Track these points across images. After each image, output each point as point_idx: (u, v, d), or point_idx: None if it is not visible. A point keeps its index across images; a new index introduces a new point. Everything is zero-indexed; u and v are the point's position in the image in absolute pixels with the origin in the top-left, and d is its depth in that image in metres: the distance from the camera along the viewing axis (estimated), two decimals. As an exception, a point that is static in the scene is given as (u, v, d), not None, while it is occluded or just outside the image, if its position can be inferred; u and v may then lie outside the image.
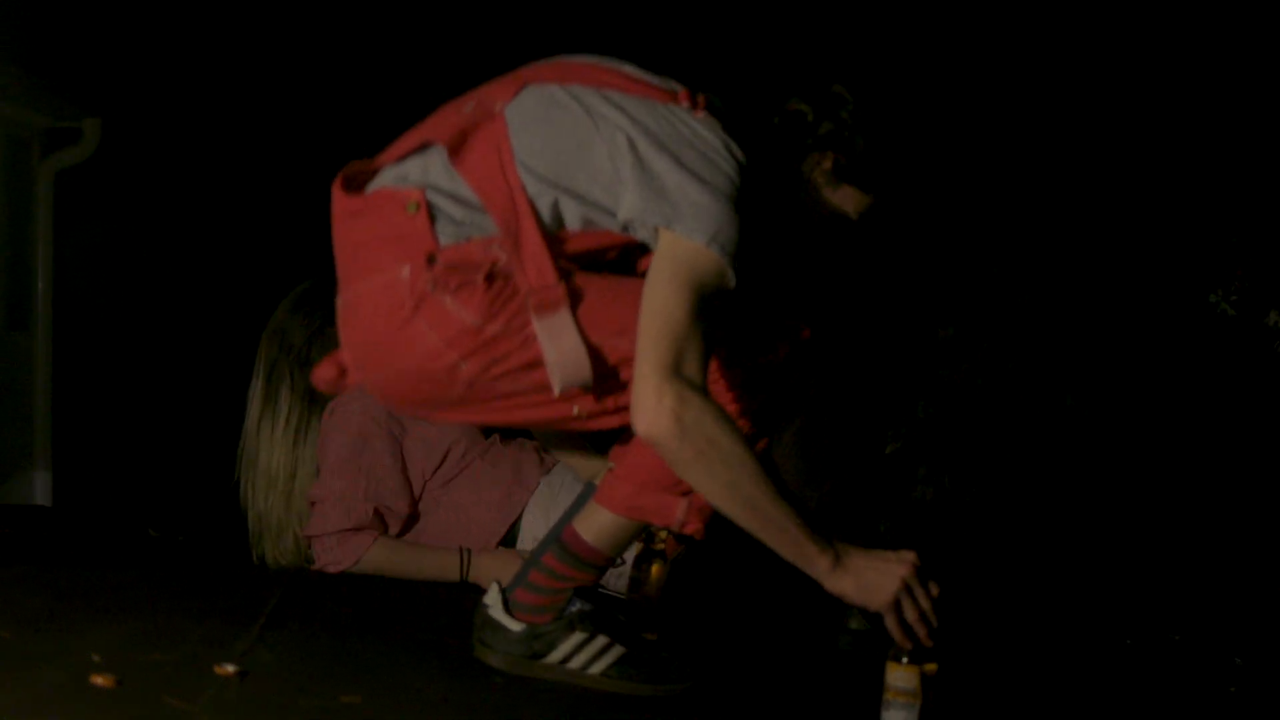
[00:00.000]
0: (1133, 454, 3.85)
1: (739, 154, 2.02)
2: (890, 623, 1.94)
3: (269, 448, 3.04)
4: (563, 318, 1.98)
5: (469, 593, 2.62)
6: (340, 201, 2.08)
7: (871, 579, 1.94)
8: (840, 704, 2.25)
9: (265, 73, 4.35)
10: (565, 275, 2.00)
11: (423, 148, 2.06)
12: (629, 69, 2.10)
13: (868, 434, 4.15)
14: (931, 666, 1.92)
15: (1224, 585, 3.37)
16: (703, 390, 1.89)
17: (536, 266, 1.98)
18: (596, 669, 2.12)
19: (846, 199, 2.22)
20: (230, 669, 1.91)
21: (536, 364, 2.00)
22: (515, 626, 2.13)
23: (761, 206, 2.10)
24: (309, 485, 3.00)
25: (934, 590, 1.96)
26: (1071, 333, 3.98)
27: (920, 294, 4.31)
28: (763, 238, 2.16)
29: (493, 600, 2.15)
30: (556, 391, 2.00)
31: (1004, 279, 4.13)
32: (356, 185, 2.09)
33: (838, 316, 4.34)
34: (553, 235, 2.00)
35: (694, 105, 2.04)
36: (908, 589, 1.94)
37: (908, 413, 4.17)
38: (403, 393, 2.06)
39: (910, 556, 1.96)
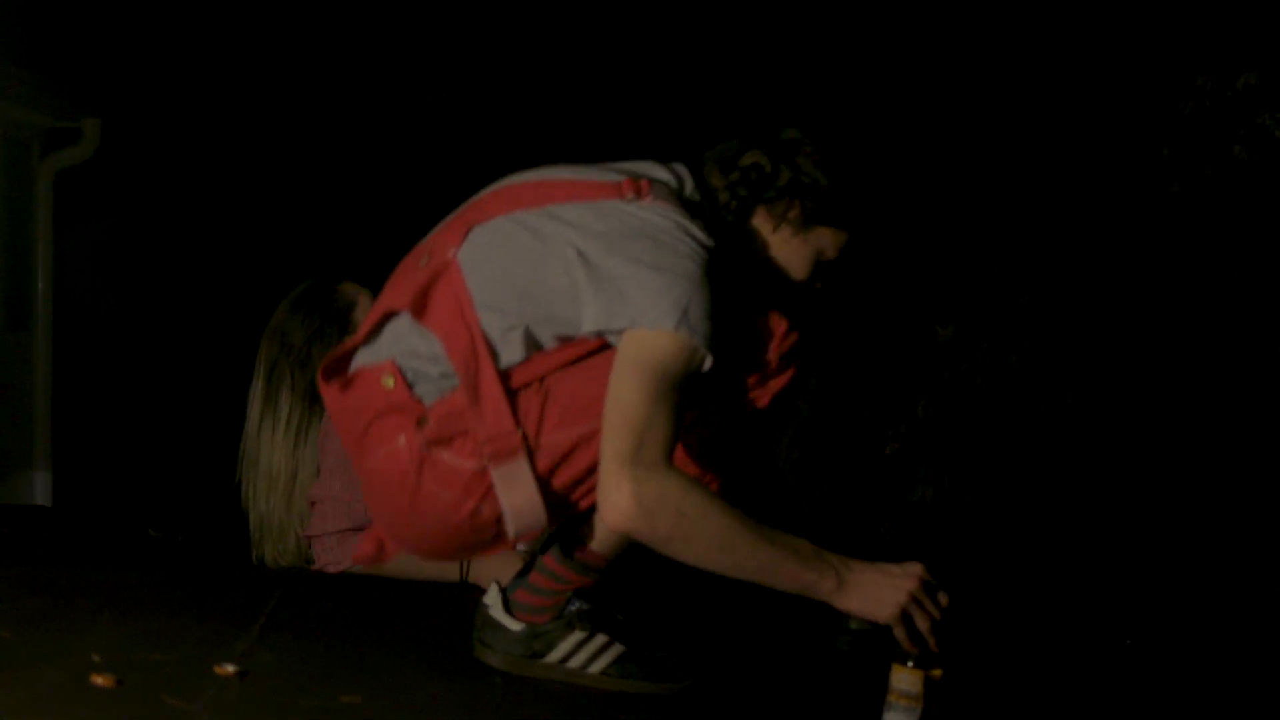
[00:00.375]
0: (1133, 453, 3.85)
1: (693, 228, 2.00)
2: (899, 634, 1.92)
3: (270, 449, 3.04)
4: (519, 466, 1.99)
5: (469, 593, 2.62)
6: (328, 393, 2.12)
7: (877, 593, 1.93)
8: (840, 704, 2.25)
9: (265, 73, 4.35)
10: (542, 380, 2.01)
11: (388, 318, 2.08)
12: (567, 174, 2.09)
13: (868, 434, 4.16)
14: (937, 672, 1.91)
15: (1224, 585, 3.37)
16: (663, 467, 1.88)
17: (494, 414, 1.99)
18: (596, 668, 2.13)
19: (822, 239, 2.20)
20: (230, 669, 1.91)
21: (545, 469, 2.00)
22: (515, 626, 2.13)
23: (731, 273, 2.08)
24: (310, 486, 3.00)
25: (943, 600, 1.94)
26: (1071, 332, 3.98)
27: (920, 294, 4.31)
28: (740, 301, 2.12)
29: (493, 600, 2.15)
30: (511, 537, 2.01)
31: (1004, 279, 4.14)
32: (338, 372, 2.11)
33: (838, 317, 4.35)
34: (531, 359, 2.01)
35: (638, 193, 2.03)
36: (915, 601, 1.92)
37: (908, 413, 4.17)
38: (442, 548, 2.09)
39: (916, 569, 1.94)
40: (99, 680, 1.80)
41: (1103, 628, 3.17)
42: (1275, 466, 3.64)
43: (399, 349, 2.04)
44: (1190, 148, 3.96)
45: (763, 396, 2.11)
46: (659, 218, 2.00)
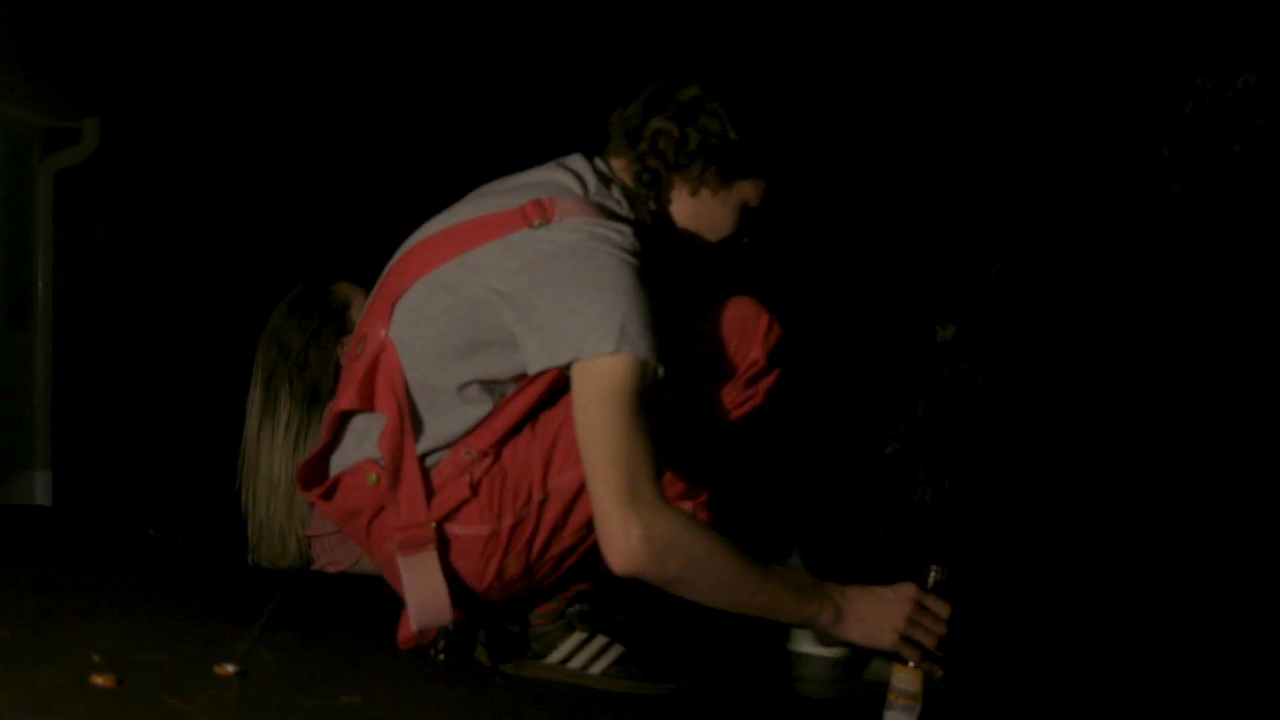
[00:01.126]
0: (1133, 453, 3.85)
1: (608, 231, 1.94)
2: (907, 654, 1.90)
3: (269, 454, 3.03)
4: (427, 558, 1.98)
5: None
6: (319, 503, 2.11)
7: (874, 620, 1.90)
8: (840, 705, 2.24)
9: (265, 73, 4.35)
10: (534, 424, 2.00)
11: (345, 418, 2.06)
12: (466, 213, 2.04)
13: (868, 434, 4.15)
14: (938, 671, 1.91)
15: (1224, 584, 3.37)
16: (664, 505, 1.86)
17: (410, 502, 1.98)
18: (596, 668, 2.12)
19: (743, 191, 2.12)
20: (230, 669, 1.91)
21: (559, 514, 1.99)
22: (515, 627, 2.13)
23: (660, 251, 2.05)
24: (309, 487, 3.00)
25: (944, 611, 1.91)
26: (1071, 332, 3.98)
27: (920, 294, 4.31)
28: (680, 285, 2.10)
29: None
30: (415, 629, 1.99)
31: (1004, 279, 4.14)
32: (317, 482, 2.10)
33: (839, 316, 4.35)
34: (505, 406, 1.99)
35: (544, 215, 1.96)
36: (913, 622, 1.90)
37: (908, 413, 4.17)
38: (478, 602, 2.06)
39: (909, 590, 1.91)
40: (99, 680, 1.80)
41: (1102, 627, 3.17)
42: (1275, 465, 3.64)
43: (367, 448, 2.02)
44: (1190, 148, 3.96)
45: (754, 397, 2.08)
46: (571, 234, 1.93)
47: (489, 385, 1.98)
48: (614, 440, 1.86)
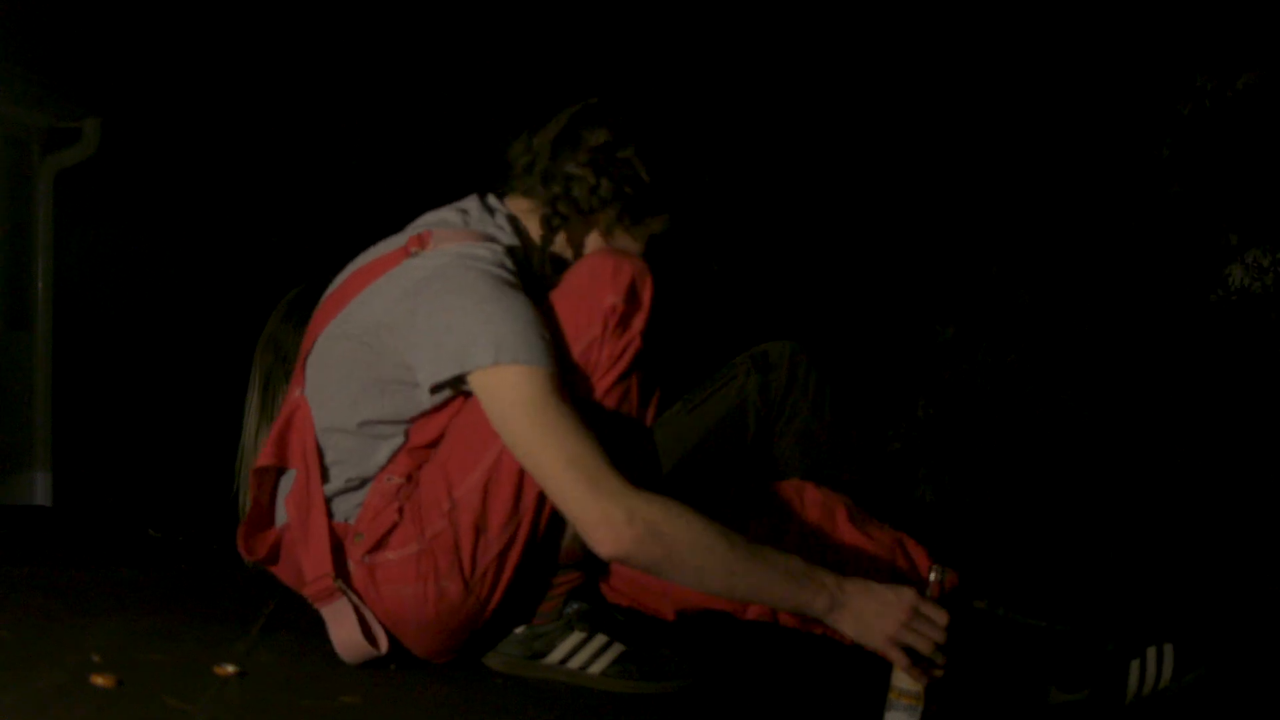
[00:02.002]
0: (1132, 452, 3.85)
1: (481, 250, 1.98)
2: (894, 658, 1.89)
3: (267, 456, 3.03)
4: (341, 605, 2.03)
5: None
6: (272, 569, 2.16)
7: (870, 619, 1.89)
8: (841, 704, 2.24)
9: (265, 73, 4.35)
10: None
11: (266, 481, 2.11)
12: (363, 260, 2.09)
13: (868, 434, 4.15)
14: (934, 674, 1.91)
15: (1224, 584, 3.37)
16: (635, 488, 1.87)
17: (315, 558, 2.03)
18: (596, 668, 2.12)
19: (652, 226, 2.15)
20: (230, 669, 1.91)
21: (473, 521, 2.01)
22: (515, 628, 2.13)
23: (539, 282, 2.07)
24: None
25: (942, 619, 1.89)
26: (1071, 332, 3.98)
27: (920, 294, 4.31)
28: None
29: None
30: (350, 663, 2.02)
31: (1004, 279, 4.14)
32: (258, 551, 2.14)
33: (839, 316, 4.34)
34: (428, 419, 2.03)
35: (421, 244, 2.01)
36: (908, 628, 1.88)
37: (908, 413, 4.17)
38: (445, 641, 2.08)
39: (909, 596, 1.89)
40: (99, 680, 1.80)
41: (1102, 627, 3.16)
42: (1275, 464, 3.64)
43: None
44: (1190, 148, 3.96)
45: (632, 342, 2.04)
46: (442, 257, 1.98)
47: (401, 419, 2.03)
48: (549, 446, 1.88)
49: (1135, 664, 2.18)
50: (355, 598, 2.03)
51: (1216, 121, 3.95)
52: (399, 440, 2.04)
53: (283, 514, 2.11)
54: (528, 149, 2.15)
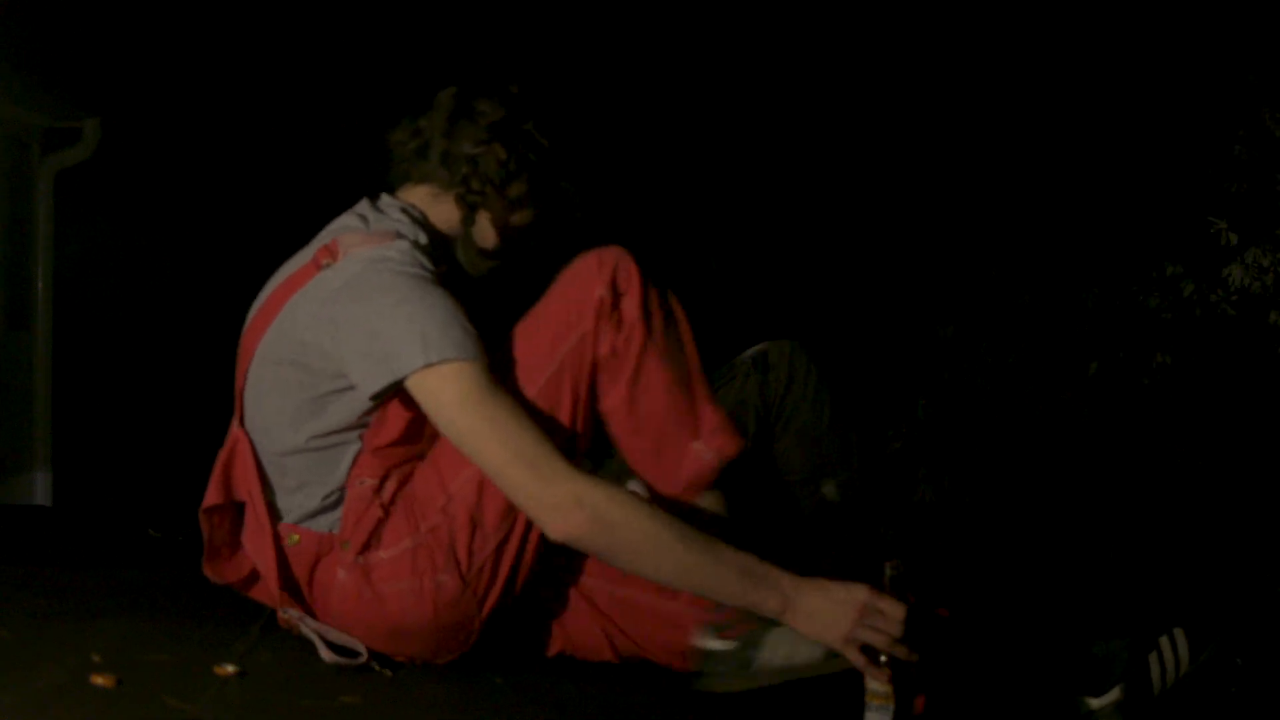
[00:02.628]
0: (1133, 453, 3.85)
1: (389, 252, 1.98)
2: (853, 658, 1.88)
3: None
4: (307, 620, 2.04)
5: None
6: (252, 592, 2.15)
7: (823, 618, 1.89)
8: (839, 704, 2.24)
9: (265, 73, 4.36)
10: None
11: (229, 518, 2.12)
12: (278, 278, 2.09)
13: (868, 434, 4.14)
14: (886, 672, 1.88)
15: (1224, 584, 3.37)
16: (582, 473, 1.88)
17: (271, 592, 2.05)
18: (804, 654, 2.05)
19: (549, 199, 2.17)
20: (230, 669, 1.91)
21: (468, 514, 2.00)
22: (727, 645, 2.11)
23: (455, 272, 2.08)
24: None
25: (898, 612, 1.86)
26: (1072, 332, 3.98)
27: (920, 294, 4.31)
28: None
29: (701, 635, 2.13)
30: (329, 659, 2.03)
31: (1004, 279, 4.14)
32: (230, 575, 2.15)
33: (839, 316, 4.34)
34: (384, 423, 2.03)
35: (331, 255, 2.01)
36: (863, 624, 1.87)
37: (908, 413, 4.17)
38: (444, 640, 2.07)
39: (860, 593, 1.87)
40: (99, 680, 1.80)
41: (1102, 628, 3.16)
42: (1276, 464, 3.64)
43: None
44: (1191, 147, 3.96)
45: (632, 330, 2.04)
46: (354, 265, 1.98)
47: (350, 427, 2.02)
48: (490, 439, 1.89)
49: (1153, 656, 2.18)
50: (312, 625, 2.03)
51: (1217, 121, 3.95)
52: (356, 446, 2.03)
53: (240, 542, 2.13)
54: (415, 133, 2.13)
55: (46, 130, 4.08)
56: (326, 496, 2.05)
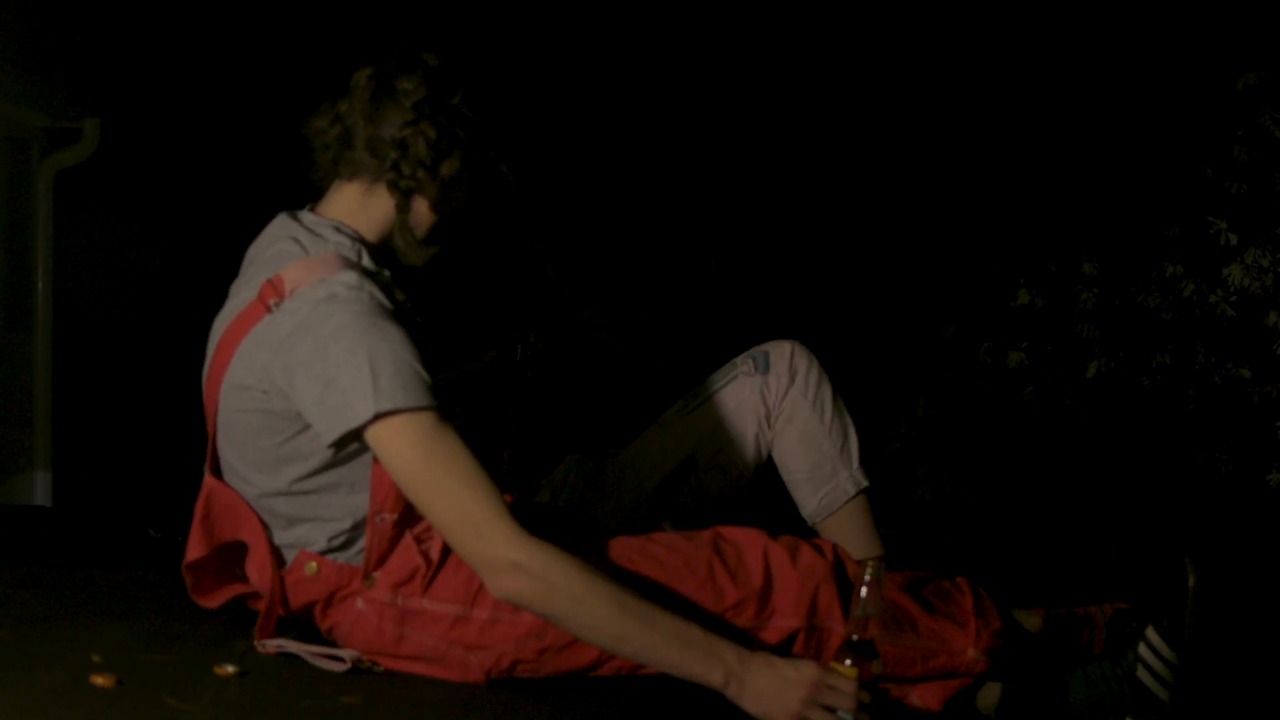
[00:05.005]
0: (1133, 453, 3.85)
1: (336, 287, 1.91)
2: None
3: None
4: (288, 646, 2.03)
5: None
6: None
7: (771, 698, 1.85)
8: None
9: (265, 73, 4.35)
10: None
11: (212, 568, 2.11)
12: (224, 318, 2.04)
13: (868, 434, 4.14)
14: (875, 666, 1.86)
15: (1224, 583, 3.36)
16: (524, 538, 1.86)
17: (268, 617, 2.04)
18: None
19: (482, 173, 2.11)
20: (230, 669, 1.91)
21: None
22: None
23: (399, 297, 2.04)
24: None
25: (849, 687, 1.82)
26: (1072, 332, 3.98)
27: (920, 294, 4.31)
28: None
29: None
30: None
31: (1004, 279, 4.14)
32: (216, 602, 2.14)
33: (839, 316, 4.34)
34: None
35: (278, 295, 1.94)
36: (814, 703, 1.83)
37: (908, 413, 4.17)
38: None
39: (810, 672, 1.83)
40: (99, 680, 1.80)
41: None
42: (1275, 464, 3.64)
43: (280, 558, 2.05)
44: (1190, 147, 3.96)
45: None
46: (302, 307, 1.91)
47: (334, 464, 1.97)
48: (438, 496, 1.86)
49: (1141, 671, 2.18)
50: (293, 648, 2.02)
51: (1216, 122, 3.95)
52: (353, 480, 1.99)
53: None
54: (335, 119, 2.05)
55: (46, 130, 4.08)
56: (334, 536, 2.01)
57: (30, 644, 1.98)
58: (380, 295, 1.94)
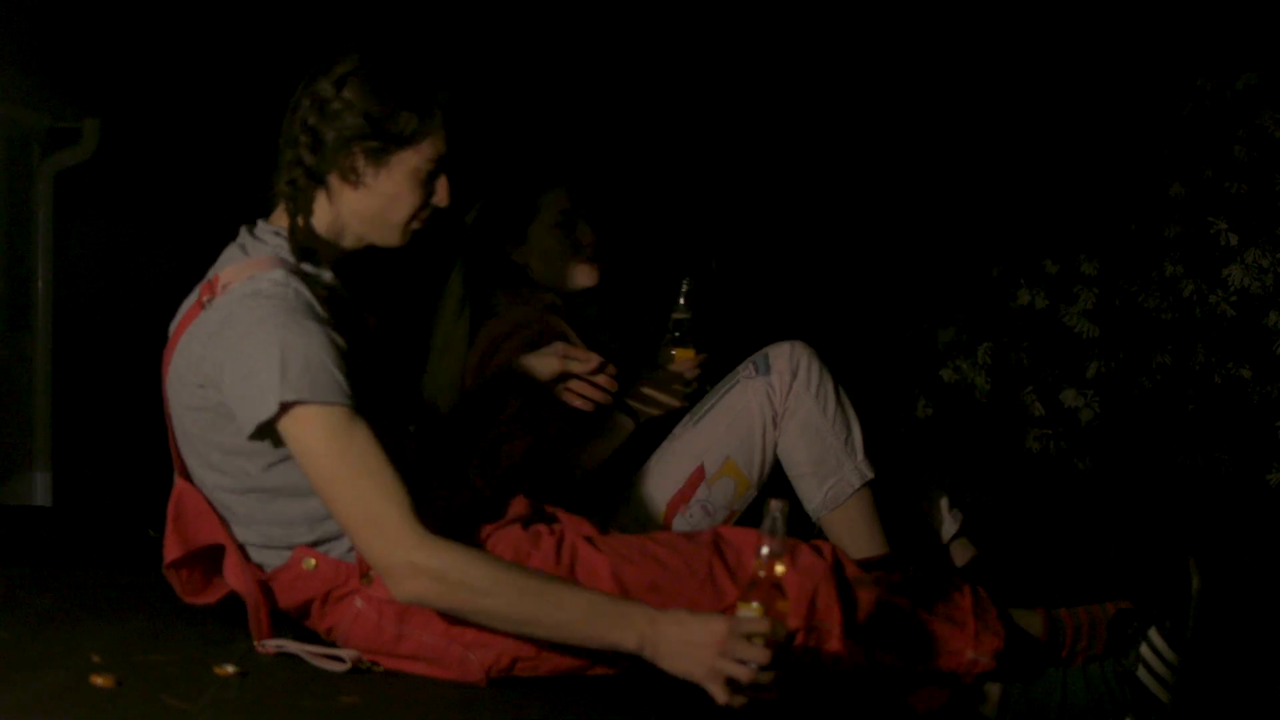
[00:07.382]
0: (1133, 454, 3.84)
1: (262, 283, 1.95)
2: (714, 693, 1.82)
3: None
4: (288, 646, 2.04)
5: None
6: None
7: (684, 653, 1.84)
8: (838, 704, 2.24)
9: (265, 72, 4.35)
10: None
11: (198, 568, 2.13)
12: (176, 322, 2.09)
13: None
14: (783, 606, 1.82)
15: (1228, 587, 3.36)
16: (423, 538, 1.86)
17: (257, 617, 2.05)
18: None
19: (406, 162, 2.09)
20: (230, 669, 1.91)
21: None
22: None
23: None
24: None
25: (762, 657, 1.78)
26: (1069, 331, 3.97)
27: (920, 294, 4.31)
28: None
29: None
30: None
31: (1004, 279, 4.13)
32: (208, 598, 2.16)
33: (840, 317, 4.34)
34: None
35: (212, 292, 1.99)
36: (727, 658, 1.80)
37: (908, 413, 4.17)
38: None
39: (718, 626, 1.81)
40: (99, 680, 1.80)
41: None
42: (1274, 465, 3.64)
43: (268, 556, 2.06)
44: (1190, 147, 3.96)
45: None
46: (230, 301, 1.96)
47: (287, 458, 1.98)
48: (340, 494, 1.88)
49: (1142, 671, 2.18)
50: (293, 648, 2.03)
51: (1216, 121, 3.95)
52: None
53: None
54: (280, 134, 2.11)
55: (46, 130, 4.08)
56: (326, 533, 2.02)
57: (30, 644, 1.99)
58: (307, 294, 1.97)
